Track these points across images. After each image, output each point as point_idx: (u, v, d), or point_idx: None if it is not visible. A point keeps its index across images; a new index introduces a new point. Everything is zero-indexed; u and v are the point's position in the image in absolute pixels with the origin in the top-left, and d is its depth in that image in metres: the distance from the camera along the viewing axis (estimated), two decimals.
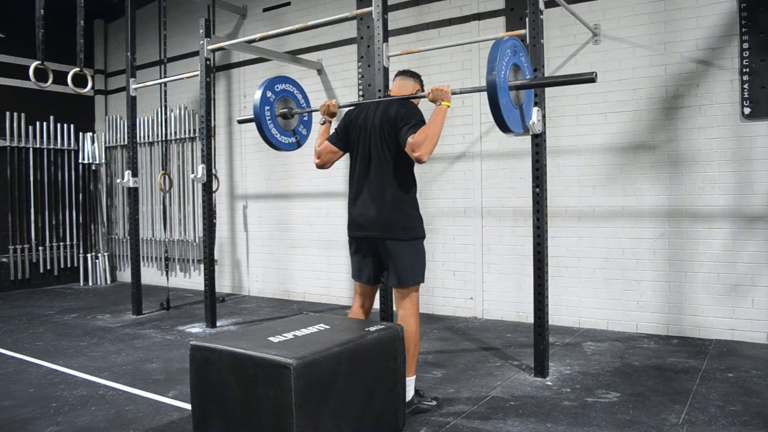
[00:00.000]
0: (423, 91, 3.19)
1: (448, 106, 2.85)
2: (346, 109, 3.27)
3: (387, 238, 2.91)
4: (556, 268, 4.84)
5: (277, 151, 3.85)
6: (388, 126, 2.91)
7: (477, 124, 5.24)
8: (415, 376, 2.95)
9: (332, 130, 3.20)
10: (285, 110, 3.68)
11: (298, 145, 3.84)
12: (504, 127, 2.73)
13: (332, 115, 3.26)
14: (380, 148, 2.93)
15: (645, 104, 4.56)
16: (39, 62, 4.93)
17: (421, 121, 2.85)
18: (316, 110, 3.46)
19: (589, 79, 2.73)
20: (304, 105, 3.81)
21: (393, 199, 2.91)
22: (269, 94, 3.60)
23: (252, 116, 3.60)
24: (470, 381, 3.50)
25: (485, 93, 2.70)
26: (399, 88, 3.17)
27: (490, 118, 5.19)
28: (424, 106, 3.00)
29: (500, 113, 2.64)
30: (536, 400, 3.15)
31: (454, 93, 2.91)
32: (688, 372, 3.56)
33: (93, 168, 7.99)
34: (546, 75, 4.17)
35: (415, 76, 3.21)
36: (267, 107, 3.58)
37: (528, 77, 2.96)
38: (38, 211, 7.50)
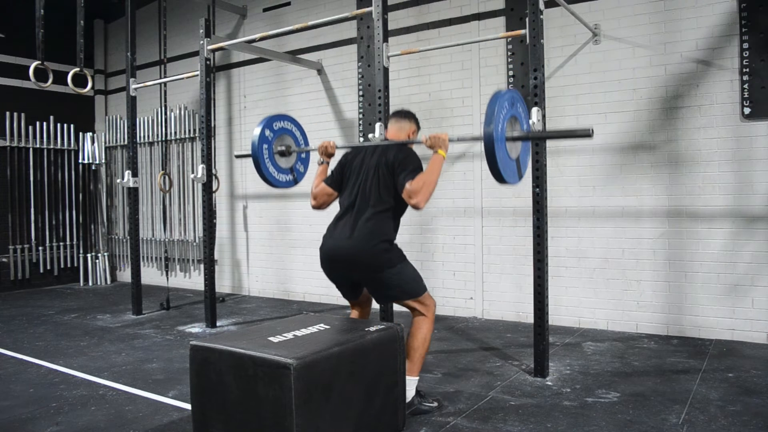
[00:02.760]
0: (419, 128, 3.21)
1: (444, 157, 2.82)
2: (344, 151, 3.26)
3: (368, 274, 2.84)
4: (556, 268, 4.84)
5: (274, 188, 3.82)
6: (384, 169, 2.89)
7: (477, 125, 5.24)
8: (418, 378, 2.95)
9: (329, 171, 3.18)
10: (283, 148, 3.67)
11: (295, 182, 3.83)
12: (500, 179, 2.71)
13: (330, 155, 3.25)
14: (372, 188, 2.89)
15: (645, 104, 4.56)
16: (39, 62, 4.93)
17: (418, 168, 2.84)
18: (314, 149, 3.45)
19: (585, 134, 2.70)
20: (302, 142, 3.80)
21: (374, 236, 2.82)
22: (267, 132, 3.59)
23: (249, 153, 3.59)
24: (470, 381, 3.50)
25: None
26: (396, 131, 3.14)
27: None
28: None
29: (497, 165, 2.64)
30: (536, 400, 3.15)
31: (451, 140, 2.89)
32: (688, 372, 3.56)
33: (93, 168, 7.99)
34: (546, 76, 4.17)
35: (410, 116, 3.19)
36: (265, 145, 3.58)
37: (525, 129, 2.97)
38: (38, 211, 7.50)
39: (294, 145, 3.74)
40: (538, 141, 3.45)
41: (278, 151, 3.66)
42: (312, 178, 3.27)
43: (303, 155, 3.84)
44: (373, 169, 2.93)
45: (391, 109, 3.41)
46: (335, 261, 2.92)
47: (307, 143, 3.82)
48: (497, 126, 2.63)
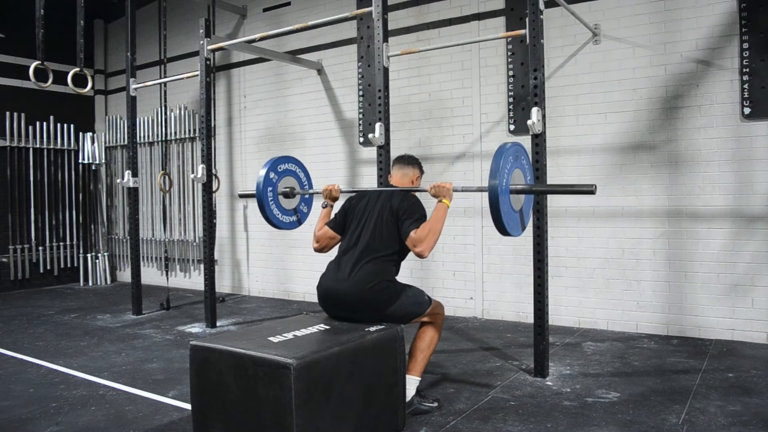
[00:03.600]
0: (423, 173, 3.24)
1: (448, 206, 2.84)
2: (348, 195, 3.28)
3: (371, 314, 2.80)
4: (556, 268, 4.84)
5: (277, 230, 3.82)
6: (388, 215, 2.89)
7: (477, 124, 5.24)
8: (420, 378, 2.95)
9: (333, 215, 3.18)
10: (287, 190, 3.68)
11: (299, 223, 3.85)
12: (503, 231, 2.73)
13: (334, 199, 3.26)
14: (374, 233, 2.88)
15: (645, 104, 4.56)
16: (39, 62, 4.93)
17: (423, 216, 2.86)
18: (318, 192, 3.46)
19: (588, 191, 2.75)
20: (306, 183, 3.82)
21: (375, 277, 2.78)
22: (272, 174, 3.60)
23: (254, 193, 3.59)
24: (470, 381, 3.50)
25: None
26: (399, 177, 3.17)
27: (490, 119, 5.24)
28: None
29: (500, 217, 2.67)
30: (536, 400, 3.15)
31: (455, 190, 2.90)
32: (688, 372, 3.56)
33: (93, 168, 7.99)
34: (546, 76, 4.17)
35: (414, 162, 3.22)
36: (270, 188, 3.60)
37: (529, 182, 2.99)
38: (38, 211, 7.50)
39: (298, 187, 3.75)
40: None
41: (282, 193, 3.67)
42: (316, 218, 3.27)
43: (307, 196, 3.86)
44: (377, 214, 2.94)
45: (392, 110, 3.40)
46: (332, 300, 2.87)
47: (311, 185, 3.85)
48: (502, 180, 2.66)
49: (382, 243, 2.86)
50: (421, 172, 3.25)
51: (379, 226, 2.90)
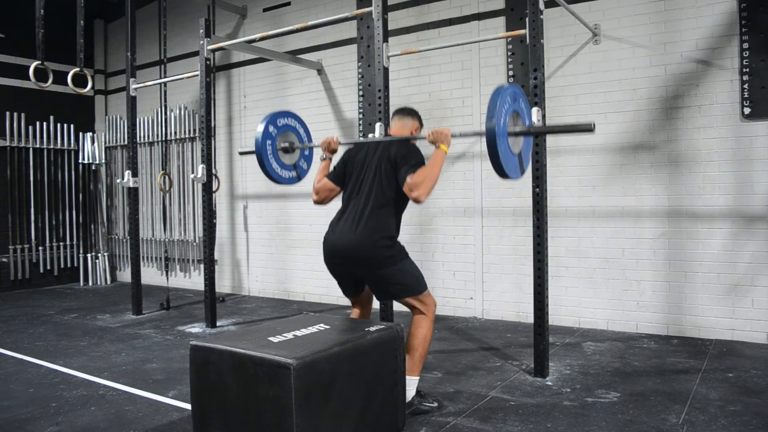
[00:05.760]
0: (422, 126, 3.24)
1: (446, 152, 2.86)
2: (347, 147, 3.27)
3: (370, 271, 2.85)
4: (556, 268, 4.84)
5: (277, 184, 3.81)
6: (386, 164, 2.91)
7: (477, 124, 5.24)
8: (418, 377, 2.95)
9: (332, 167, 3.19)
10: (286, 144, 3.67)
11: (299, 179, 3.83)
12: (502, 173, 2.72)
13: (333, 151, 3.27)
14: (374, 183, 2.91)
15: (645, 104, 4.56)
16: (39, 62, 4.92)
17: (420, 162, 2.86)
18: (317, 146, 3.46)
19: (587, 129, 2.72)
20: (306, 139, 3.81)
21: (377, 233, 2.83)
22: (271, 128, 3.59)
23: (253, 149, 3.59)
24: (470, 381, 3.50)
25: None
26: (399, 127, 3.18)
27: None
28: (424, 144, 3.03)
29: (499, 160, 2.65)
30: (536, 400, 3.15)
31: (453, 136, 2.91)
32: (688, 372, 3.56)
33: (93, 168, 7.99)
34: (546, 76, 4.17)
35: (413, 113, 3.22)
36: (269, 141, 3.58)
37: (527, 124, 2.96)
38: (38, 211, 7.50)
39: (297, 142, 3.74)
40: (539, 136, 3.43)
41: (282, 148, 3.66)
42: (315, 176, 3.27)
43: (306, 152, 3.85)
44: (376, 164, 2.95)
45: (392, 110, 3.41)
46: (337, 256, 2.93)
47: (310, 140, 3.82)
48: (499, 120, 2.63)
49: (382, 193, 2.88)
50: (421, 124, 3.25)
51: (378, 175, 2.91)
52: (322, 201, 3.18)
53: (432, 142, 2.89)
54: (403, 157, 2.87)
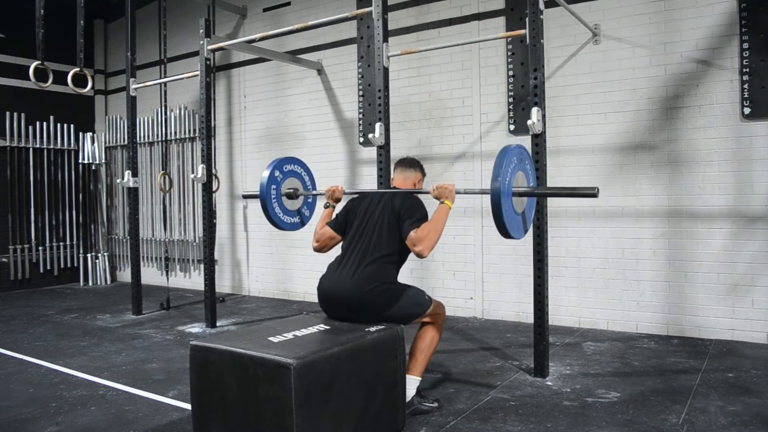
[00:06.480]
0: (424, 176, 3.25)
1: (450, 207, 2.84)
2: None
3: (371, 316, 2.80)
4: (556, 268, 4.84)
5: (279, 230, 3.79)
6: (390, 215, 2.90)
7: (477, 124, 5.24)
8: (420, 378, 2.95)
9: (334, 215, 3.19)
10: (291, 190, 3.68)
11: (302, 225, 3.83)
12: (505, 233, 2.72)
13: (337, 200, 3.27)
14: (375, 234, 2.89)
15: (645, 104, 4.56)
16: (39, 62, 4.92)
17: (424, 216, 2.86)
18: (321, 193, 3.45)
19: (591, 194, 2.77)
20: (310, 185, 3.81)
21: (377, 278, 2.79)
22: (277, 173, 3.60)
23: (257, 193, 3.58)
24: (470, 381, 3.50)
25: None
26: (401, 180, 3.19)
27: (490, 118, 5.24)
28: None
29: (502, 219, 2.66)
30: (536, 400, 3.15)
31: (458, 192, 2.90)
32: (688, 372, 3.56)
33: (93, 168, 7.99)
34: (546, 76, 4.18)
35: (415, 164, 3.22)
36: (273, 186, 3.59)
37: (531, 185, 2.98)
38: (38, 211, 7.50)
39: (302, 188, 3.75)
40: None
41: (286, 194, 3.67)
42: (317, 223, 3.26)
43: (310, 199, 3.86)
44: (378, 214, 2.94)
45: (391, 110, 3.41)
46: (333, 302, 2.88)
47: (314, 187, 3.84)
48: (504, 180, 2.65)
49: (383, 244, 2.86)
50: (423, 174, 3.26)
51: (380, 226, 2.90)
52: (322, 249, 3.15)
53: (436, 198, 2.88)
54: (407, 210, 2.86)
